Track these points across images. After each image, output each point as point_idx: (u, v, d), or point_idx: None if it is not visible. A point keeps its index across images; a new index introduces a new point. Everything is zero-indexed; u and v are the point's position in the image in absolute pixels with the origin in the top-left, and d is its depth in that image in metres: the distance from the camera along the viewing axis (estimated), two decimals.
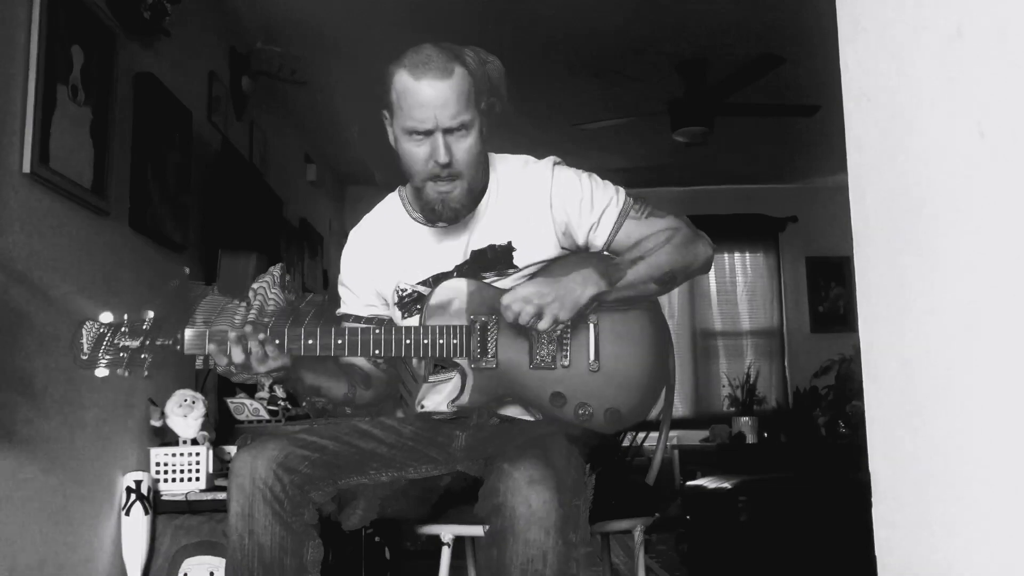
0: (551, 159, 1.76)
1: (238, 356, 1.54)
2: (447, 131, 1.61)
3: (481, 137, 1.67)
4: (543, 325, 1.60)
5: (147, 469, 2.71)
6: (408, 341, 1.62)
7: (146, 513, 2.60)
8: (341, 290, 1.83)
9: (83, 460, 2.46)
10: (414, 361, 1.83)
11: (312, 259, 5.22)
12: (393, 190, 1.86)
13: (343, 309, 1.82)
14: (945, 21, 0.88)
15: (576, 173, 1.74)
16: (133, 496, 2.59)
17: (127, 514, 2.59)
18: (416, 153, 1.64)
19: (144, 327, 1.57)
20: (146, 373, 1.59)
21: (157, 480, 2.69)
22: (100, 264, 2.58)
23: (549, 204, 1.71)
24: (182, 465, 2.72)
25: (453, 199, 1.66)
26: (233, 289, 3.54)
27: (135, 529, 2.59)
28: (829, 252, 6.63)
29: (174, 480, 2.71)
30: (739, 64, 4.23)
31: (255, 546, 1.51)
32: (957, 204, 0.88)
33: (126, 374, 1.56)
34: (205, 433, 2.79)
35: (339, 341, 1.60)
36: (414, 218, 1.76)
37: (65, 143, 2.34)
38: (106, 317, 1.56)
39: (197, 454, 2.72)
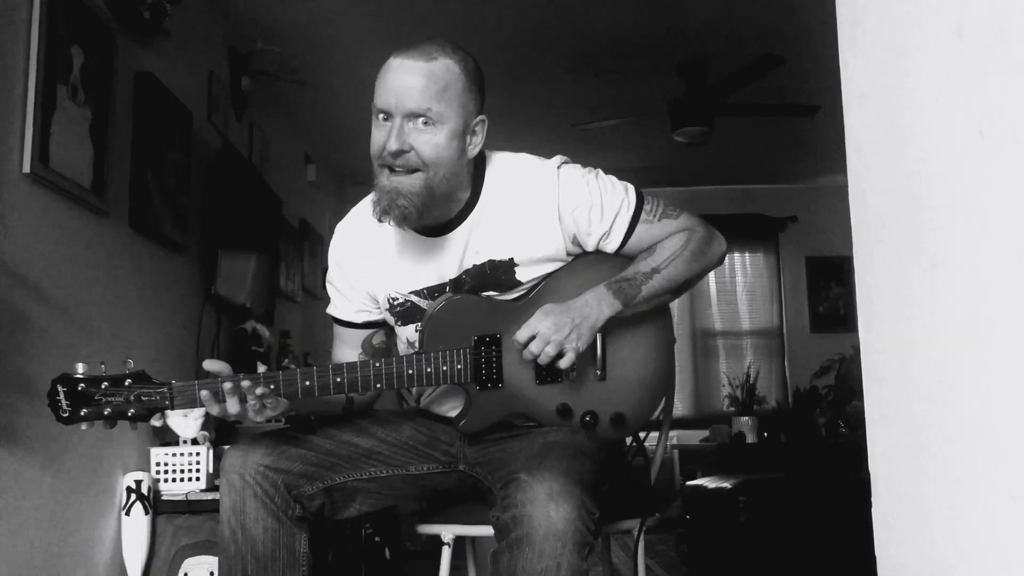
0: (556, 160, 1.64)
1: (234, 407, 1.46)
2: (410, 116, 1.50)
3: (459, 142, 1.53)
4: (566, 363, 1.54)
5: (147, 469, 2.71)
6: (411, 371, 1.54)
7: (146, 513, 2.60)
8: (329, 288, 1.76)
9: (83, 460, 2.46)
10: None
11: (312, 259, 5.22)
12: None
13: (334, 312, 1.75)
14: (945, 21, 0.88)
15: (583, 175, 1.63)
16: (133, 496, 2.59)
17: (127, 514, 2.59)
18: (375, 137, 1.53)
19: (126, 383, 1.45)
20: (135, 427, 1.50)
21: (157, 480, 2.70)
22: (100, 264, 2.58)
23: (557, 215, 1.60)
24: (182, 465, 2.72)
25: (403, 194, 1.50)
26: (233, 289, 3.54)
27: (135, 529, 2.59)
28: (829, 252, 6.63)
29: (174, 480, 2.71)
30: (739, 64, 4.22)
31: (248, 540, 1.52)
32: (957, 204, 0.88)
33: (110, 427, 1.47)
34: (205, 433, 2.79)
35: (338, 379, 1.51)
36: None
37: (65, 143, 2.34)
38: (81, 368, 1.46)
39: (197, 454, 2.73)
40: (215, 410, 1.46)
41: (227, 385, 1.45)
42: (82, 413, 1.44)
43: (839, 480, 3.71)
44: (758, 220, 6.83)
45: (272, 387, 1.47)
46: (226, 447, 2.89)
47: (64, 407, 1.44)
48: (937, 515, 0.92)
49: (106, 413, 1.44)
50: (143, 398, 1.45)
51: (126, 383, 1.45)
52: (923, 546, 0.95)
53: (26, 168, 2.17)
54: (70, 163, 2.37)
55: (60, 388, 1.44)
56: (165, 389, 1.46)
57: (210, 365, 1.47)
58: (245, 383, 1.45)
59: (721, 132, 4.84)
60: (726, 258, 1.75)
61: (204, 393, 1.45)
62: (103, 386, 1.45)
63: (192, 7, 3.25)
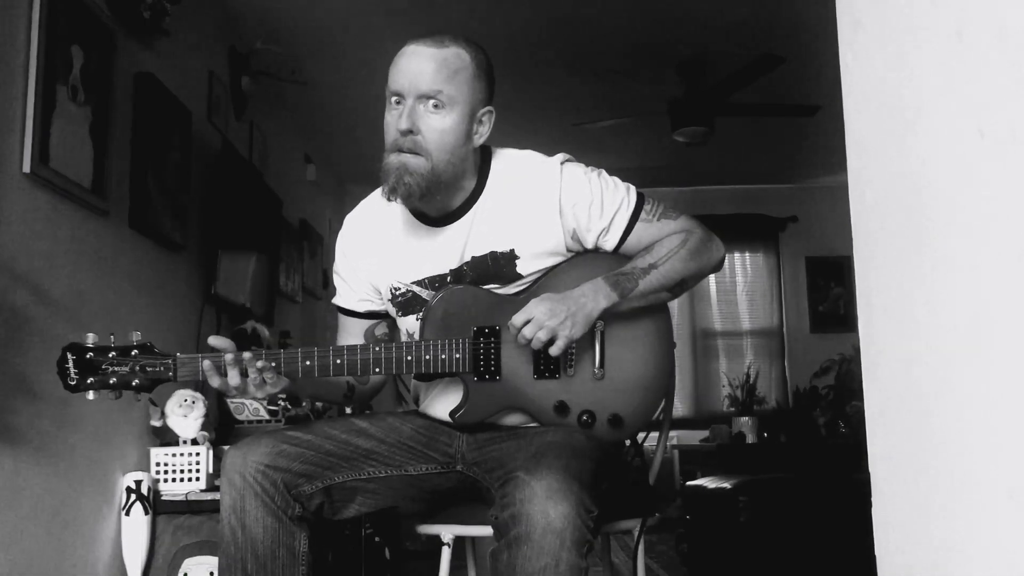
0: (559, 157, 1.68)
1: (235, 379, 1.50)
2: (421, 98, 1.56)
3: (465, 126, 1.59)
4: (556, 351, 1.56)
5: (147, 469, 2.71)
6: (409, 358, 1.58)
7: (146, 513, 2.60)
8: (335, 279, 1.80)
9: (83, 460, 2.46)
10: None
11: (312, 259, 5.22)
12: None
13: (338, 301, 1.80)
14: (945, 21, 0.88)
15: (585, 173, 1.67)
16: (133, 496, 2.59)
17: (127, 514, 2.59)
18: (388, 121, 1.60)
19: (133, 353, 1.50)
20: (139, 399, 1.54)
21: (157, 480, 2.69)
22: (100, 264, 2.58)
23: (558, 209, 1.63)
24: (182, 465, 2.72)
25: (409, 173, 1.55)
26: (233, 289, 3.54)
27: (135, 529, 2.59)
28: (829, 252, 6.64)
29: (174, 480, 2.71)
30: (739, 64, 4.23)
31: (248, 539, 1.53)
32: (957, 204, 0.88)
33: (116, 397, 1.52)
34: (205, 433, 2.80)
35: (338, 361, 1.55)
36: (411, 211, 1.68)
37: (65, 143, 2.34)
38: (91, 338, 1.51)
39: (197, 454, 2.73)
40: (216, 382, 1.51)
41: (229, 356, 1.50)
42: (88, 381, 1.49)
43: (839, 480, 3.71)
44: (758, 220, 6.83)
45: (273, 364, 1.52)
46: (226, 447, 2.89)
47: (72, 375, 1.49)
48: (937, 515, 0.92)
49: (111, 382, 1.49)
50: (147, 368, 1.50)
51: (132, 353, 1.51)
52: (923, 546, 0.95)
53: (26, 168, 2.17)
54: (70, 163, 2.37)
55: (70, 356, 1.49)
56: (169, 361, 1.51)
57: (214, 341, 1.52)
58: (247, 355, 1.50)
59: (721, 132, 4.84)
60: (726, 258, 1.76)
61: (207, 364, 1.50)
62: (110, 355, 1.50)
63: (192, 7, 3.25)
